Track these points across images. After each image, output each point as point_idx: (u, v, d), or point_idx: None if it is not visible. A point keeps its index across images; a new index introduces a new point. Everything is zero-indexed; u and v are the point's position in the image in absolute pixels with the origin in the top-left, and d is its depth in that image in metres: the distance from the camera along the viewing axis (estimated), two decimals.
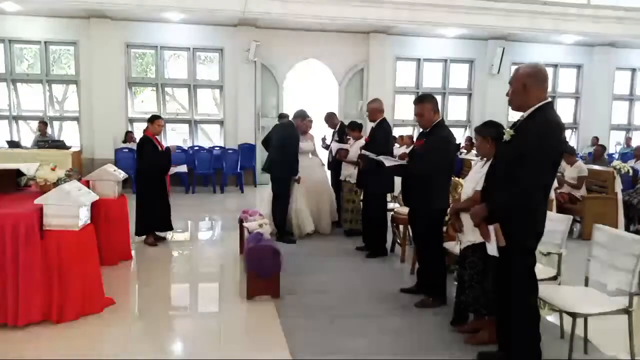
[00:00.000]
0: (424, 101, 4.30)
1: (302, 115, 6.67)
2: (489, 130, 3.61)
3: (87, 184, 5.14)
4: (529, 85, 2.88)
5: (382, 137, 5.70)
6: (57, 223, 3.80)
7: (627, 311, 3.17)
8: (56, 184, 4.33)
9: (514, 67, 10.54)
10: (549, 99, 2.93)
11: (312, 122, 7.05)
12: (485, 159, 3.66)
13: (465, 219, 3.47)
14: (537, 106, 2.87)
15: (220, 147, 11.46)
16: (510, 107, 3.08)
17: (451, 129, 4.50)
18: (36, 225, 3.72)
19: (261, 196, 10.07)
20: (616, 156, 11.72)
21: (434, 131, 4.28)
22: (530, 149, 2.75)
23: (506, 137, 2.95)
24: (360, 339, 3.69)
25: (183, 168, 6.87)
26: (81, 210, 3.92)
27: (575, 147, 10.95)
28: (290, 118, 6.93)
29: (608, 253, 3.35)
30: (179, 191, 10.02)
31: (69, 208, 3.83)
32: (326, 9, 10.27)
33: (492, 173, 3.10)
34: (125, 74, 11.05)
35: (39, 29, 10.67)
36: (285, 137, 6.45)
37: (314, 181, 6.93)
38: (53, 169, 4.50)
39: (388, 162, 4.68)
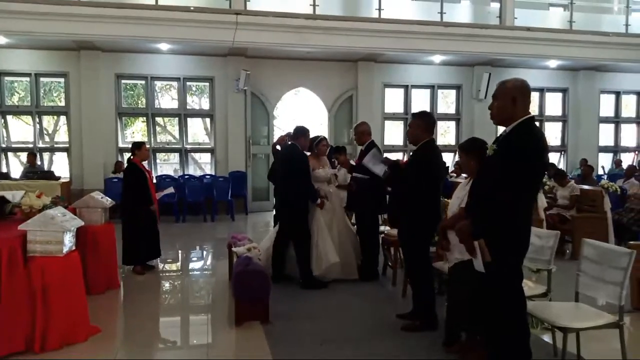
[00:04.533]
0: (415, 117, 4.42)
1: (303, 133, 5.73)
2: (472, 146, 3.64)
3: (74, 211, 5.09)
4: (518, 98, 2.90)
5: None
6: (41, 249, 3.75)
7: (617, 325, 3.14)
8: (41, 210, 4.28)
9: None
10: (532, 114, 2.94)
11: (327, 144, 6.06)
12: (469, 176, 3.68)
13: (453, 236, 3.46)
14: (519, 120, 2.87)
15: (211, 175, 11.44)
16: (493, 122, 3.11)
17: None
18: (19, 251, 3.66)
19: (253, 224, 10.06)
20: (604, 177, 11.80)
21: (416, 151, 4.34)
22: (511, 162, 2.75)
23: (489, 152, 2.96)
24: None
25: (169, 190, 6.78)
26: (65, 236, 3.86)
27: (564, 169, 11.01)
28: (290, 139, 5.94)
29: (597, 267, 3.33)
30: (169, 220, 9.92)
31: (53, 233, 3.78)
32: (314, 38, 10.39)
33: (475, 189, 3.09)
34: (115, 104, 11.07)
35: (30, 62, 10.70)
36: (291, 161, 5.66)
37: (333, 214, 5.85)
38: (39, 196, 4.46)
39: (378, 168, 4.72)
